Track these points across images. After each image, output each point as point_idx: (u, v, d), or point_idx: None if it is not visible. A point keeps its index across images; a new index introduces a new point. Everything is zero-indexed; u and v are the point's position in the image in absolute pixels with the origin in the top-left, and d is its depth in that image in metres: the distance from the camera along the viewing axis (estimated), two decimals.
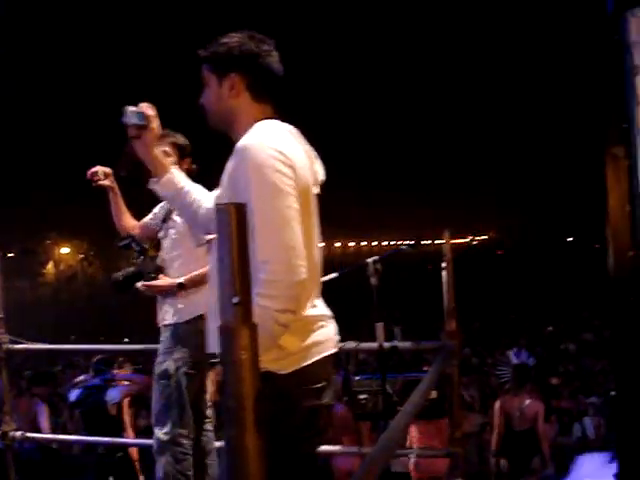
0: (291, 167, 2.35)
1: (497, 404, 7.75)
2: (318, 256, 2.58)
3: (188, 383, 4.02)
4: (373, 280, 3.96)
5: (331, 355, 2.55)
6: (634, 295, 5.75)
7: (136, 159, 2.77)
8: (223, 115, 2.57)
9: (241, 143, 2.39)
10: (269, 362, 2.29)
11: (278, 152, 2.33)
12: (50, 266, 61.85)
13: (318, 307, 2.56)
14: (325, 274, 4.53)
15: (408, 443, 6.98)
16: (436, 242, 4.47)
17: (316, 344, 2.44)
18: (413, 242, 4.43)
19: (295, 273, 2.28)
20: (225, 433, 1.11)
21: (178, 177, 2.76)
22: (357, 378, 4.29)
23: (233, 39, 2.53)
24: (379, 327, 3.99)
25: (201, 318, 3.69)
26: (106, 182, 4.20)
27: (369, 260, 4.00)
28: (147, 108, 2.70)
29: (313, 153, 2.60)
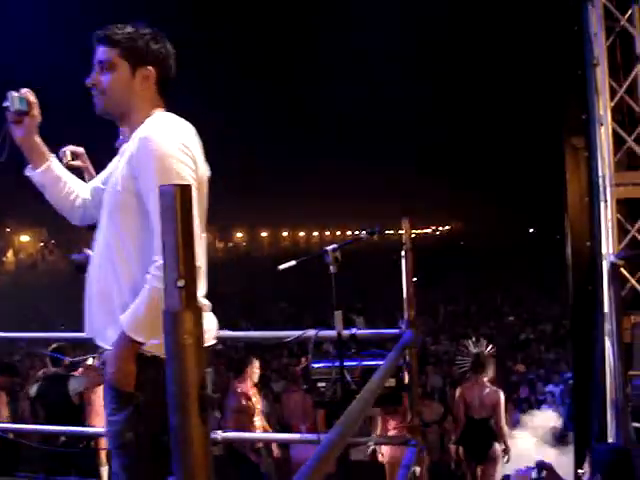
0: (192, 159, 2.45)
1: (457, 393, 7.82)
2: (204, 246, 2.63)
3: None
4: (332, 268, 3.95)
5: (211, 346, 2.62)
6: (592, 284, 5.84)
7: (15, 144, 2.76)
8: (124, 102, 2.62)
9: (144, 132, 2.46)
10: (157, 347, 2.33)
11: (181, 144, 2.43)
12: (10, 254, 61.06)
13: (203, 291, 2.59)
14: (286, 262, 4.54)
15: (374, 431, 7.04)
16: (400, 232, 4.46)
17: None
18: (372, 230, 4.41)
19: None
20: (170, 420, 1.09)
21: (56, 167, 2.82)
22: (316, 366, 4.28)
23: (149, 34, 2.63)
24: (337, 315, 3.98)
25: None
26: (76, 163, 4.08)
27: (328, 248, 3.98)
28: (29, 94, 2.72)
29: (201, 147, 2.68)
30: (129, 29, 2.61)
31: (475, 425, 7.32)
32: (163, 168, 2.36)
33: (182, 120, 2.59)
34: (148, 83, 2.62)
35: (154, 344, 2.34)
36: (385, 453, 7.02)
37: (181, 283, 1.06)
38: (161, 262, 2.22)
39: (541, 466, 4.13)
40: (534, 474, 4.09)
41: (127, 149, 2.50)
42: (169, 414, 1.08)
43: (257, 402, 7.53)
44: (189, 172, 2.41)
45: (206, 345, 2.37)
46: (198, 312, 1.08)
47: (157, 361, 2.32)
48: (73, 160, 4.04)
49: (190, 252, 1.06)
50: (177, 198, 1.04)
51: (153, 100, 2.63)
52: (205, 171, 2.60)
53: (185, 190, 1.06)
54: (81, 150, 4.02)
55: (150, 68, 2.61)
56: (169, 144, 2.40)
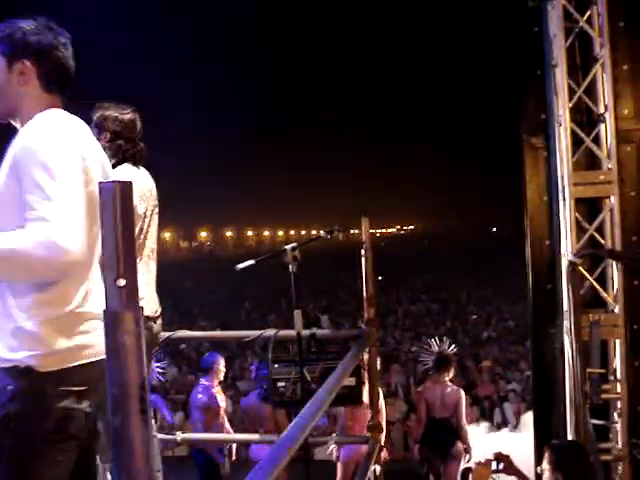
0: (82, 158, 2.31)
1: (418, 392, 7.86)
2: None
3: None
4: (291, 267, 3.94)
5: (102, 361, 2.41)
6: (551, 283, 5.89)
7: None
8: (7, 99, 2.46)
9: (29, 130, 2.32)
10: (30, 357, 2.20)
11: (69, 142, 2.29)
12: None
13: (95, 305, 2.40)
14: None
15: (339, 430, 7.04)
16: (369, 232, 4.48)
17: (84, 347, 2.29)
18: (331, 230, 4.41)
19: (74, 252, 2.14)
20: (111, 421, 1.06)
21: None
22: (276, 366, 4.26)
23: (30, 26, 2.44)
24: (297, 314, 3.97)
25: None
26: None
27: (287, 247, 3.97)
28: None
29: (99, 147, 2.55)
30: (11, 23, 2.46)
31: (437, 424, 7.35)
32: (43, 167, 2.20)
33: (72, 119, 2.43)
34: (26, 78, 2.43)
35: (31, 354, 2.20)
36: (341, 452, 7.03)
37: (121, 282, 1.03)
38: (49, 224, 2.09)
39: (499, 457, 4.18)
40: (494, 465, 4.14)
41: (10, 149, 2.34)
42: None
43: (222, 400, 7.50)
44: (76, 171, 2.27)
45: (93, 360, 2.26)
46: (138, 312, 1.06)
47: (31, 372, 2.19)
48: None
49: (130, 251, 1.04)
50: (117, 195, 1.01)
51: (39, 98, 2.44)
52: (99, 170, 2.43)
53: (125, 187, 1.03)
54: None
55: (26, 62, 2.42)
56: (56, 143, 2.26)
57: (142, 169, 3.95)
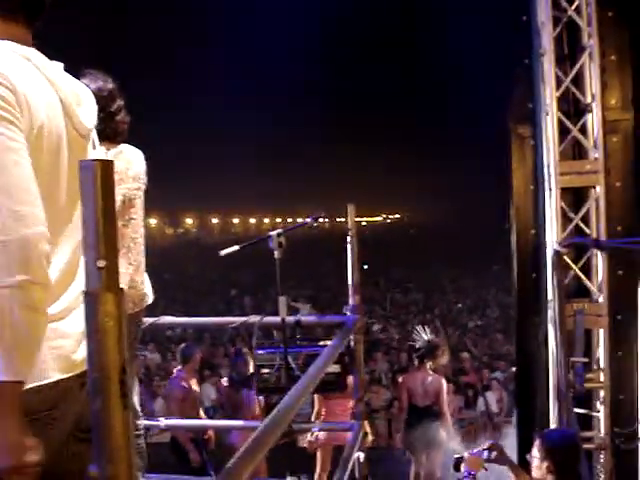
0: (13, 92, 1.77)
1: (400, 380, 7.89)
2: (75, 234, 1.94)
3: None
4: (276, 253, 3.91)
5: (76, 379, 1.89)
6: (536, 272, 5.91)
7: None
8: None
9: None
10: None
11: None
12: None
13: (68, 305, 1.92)
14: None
15: (314, 417, 7.06)
16: (356, 219, 4.47)
17: (53, 359, 1.83)
18: (316, 216, 4.40)
19: (24, 225, 1.64)
20: (91, 406, 1.05)
21: None
22: (260, 352, 4.25)
23: None
24: (282, 301, 3.95)
25: None
26: None
27: (272, 233, 3.94)
28: None
29: (82, 94, 2.08)
30: None
31: (419, 412, 7.39)
32: None
33: (23, 49, 1.90)
34: None
35: None
36: (321, 437, 7.07)
37: (101, 263, 1.01)
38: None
39: (492, 447, 4.20)
40: (485, 454, 4.16)
41: None
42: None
43: (197, 391, 7.56)
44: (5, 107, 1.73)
45: (62, 377, 1.80)
46: (119, 293, 1.04)
47: None
48: None
49: (111, 231, 1.02)
50: (97, 173, 0.99)
51: None
52: (60, 116, 1.91)
53: (106, 165, 1.01)
54: None
55: None
56: None
57: (124, 148, 3.59)
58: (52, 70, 1.95)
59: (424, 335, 7.62)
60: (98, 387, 1.02)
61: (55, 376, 1.82)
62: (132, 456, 1.05)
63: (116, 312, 1.02)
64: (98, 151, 2.22)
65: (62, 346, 1.86)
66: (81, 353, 1.91)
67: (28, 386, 1.70)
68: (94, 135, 2.14)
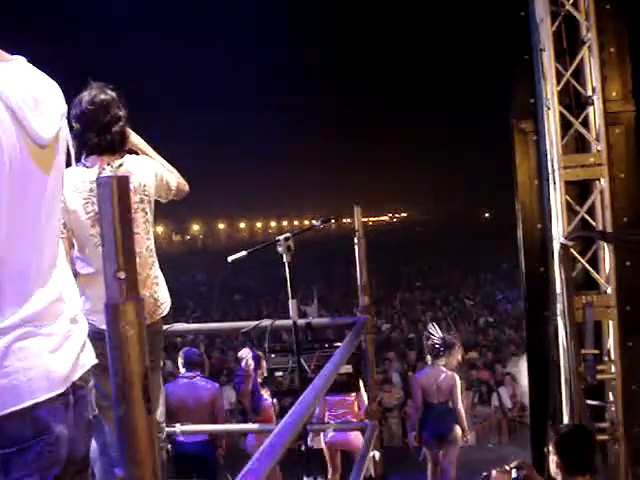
0: None
1: (413, 378, 7.90)
2: (39, 239, 1.81)
3: None
4: (285, 257, 3.95)
5: (57, 398, 1.74)
6: (544, 266, 5.93)
7: None
8: None
9: None
10: None
11: None
12: None
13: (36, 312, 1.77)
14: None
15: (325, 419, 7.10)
16: (362, 220, 4.49)
17: (15, 383, 1.67)
18: (325, 219, 4.43)
19: None
20: (115, 412, 1.09)
21: None
22: (273, 356, 4.29)
23: None
24: (293, 304, 3.99)
25: None
26: None
27: (280, 237, 3.97)
28: None
29: (43, 95, 1.83)
30: None
31: (433, 410, 7.40)
32: None
33: None
34: None
35: None
36: (328, 438, 7.10)
37: (121, 275, 1.06)
38: None
39: (520, 466, 4.15)
40: (514, 473, 4.10)
41: None
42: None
43: None
44: None
45: (29, 403, 1.63)
46: (139, 303, 1.08)
47: None
48: None
49: (129, 243, 1.06)
50: (114, 189, 1.04)
51: None
52: (8, 132, 1.70)
53: (122, 180, 1.06)
54: None
55: None
56: None
57: (127, 160, 3.55)
58: (3, 75, 1.76)
59: (438, 332, 7.63)
60: (122, 394, 1.07)
61: (34, 398, 1.67)
62: (157, 459, 1.09)
63: (136, 321, 1.06)
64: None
65: (36, 365, 1.70)
66: (62, 369, 1.77)
67: (4, 412, 1.62)
68: (63, 141, 1.92)
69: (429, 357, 7.68)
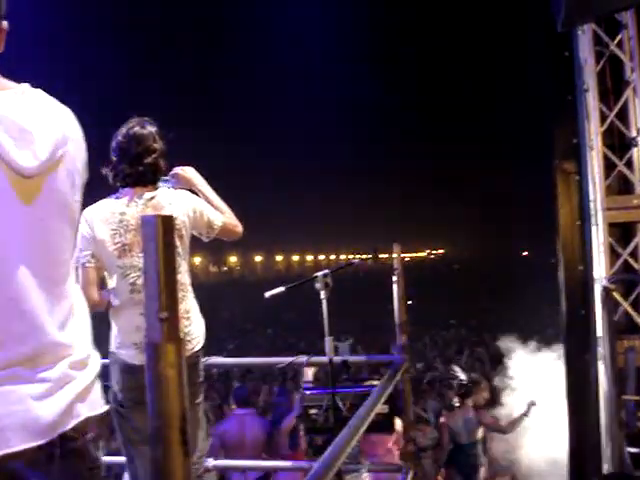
0: None
1: (442, 420, 7.85)
2: (28, 273, 1.65)
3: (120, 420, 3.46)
4: (322, 294, 3.93)
5: (30, 453, 1.57)
6: (584, 308, 5.83)
7: None
8: None
9: None
10: None
11: None
12: None
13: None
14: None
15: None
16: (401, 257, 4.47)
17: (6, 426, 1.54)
18: (364, 256, 4.42)
19: None
20: (151, 453, 1.07)
21: None
22: (308, 393, 4.26)
23: None
24: (329, 341, 3.96)
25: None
26: None
27: (318, 274, 3.96)
28: None
29: (33, 125, 1.70)
30: None
31: (462, 450, 7.35)
32: None
33: None
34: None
35: None
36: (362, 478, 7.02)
37: (163, 315, 1.05)
38: None
39: None
40: None
41: None
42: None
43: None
44: None
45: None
46: (180, 343, 1.07)
47: None
48: None
49: (172, 283, 1.05)
50: (159, 228, 1.03)
51: None
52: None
53: (166, 220, 1.05)
54: None
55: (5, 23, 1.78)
56: None
57: (160, 193, 3.56)
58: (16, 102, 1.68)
59: (461, 374, 7.62)
60: (159, 435, 1.05)
61: (10, 447, 1.52)
62: None
63: (177, 361, 1.05)
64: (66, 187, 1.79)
65: (15, 412, 1.55)
66: (47, 418, 1.61)
67: None
68: (63, 169, 1.76)
69: (456, 398, 7.66)
